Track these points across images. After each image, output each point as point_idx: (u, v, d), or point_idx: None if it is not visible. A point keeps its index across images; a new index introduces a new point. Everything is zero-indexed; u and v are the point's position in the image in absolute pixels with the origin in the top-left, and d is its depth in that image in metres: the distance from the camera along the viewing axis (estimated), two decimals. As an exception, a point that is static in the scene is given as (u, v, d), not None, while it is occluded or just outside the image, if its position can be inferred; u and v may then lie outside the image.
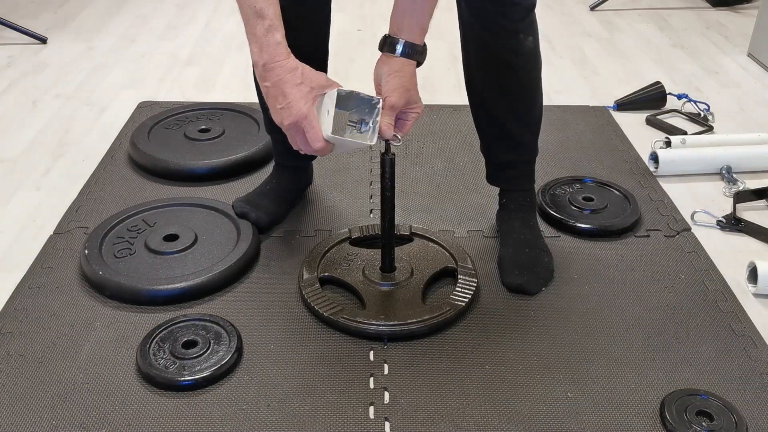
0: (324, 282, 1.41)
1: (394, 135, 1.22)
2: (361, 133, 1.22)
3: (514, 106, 1.46)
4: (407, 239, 1.52)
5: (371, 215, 1.64)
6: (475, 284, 1.39)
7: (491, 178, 1.58)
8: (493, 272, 1.46)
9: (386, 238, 1.36)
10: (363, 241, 1.52)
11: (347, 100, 1.20)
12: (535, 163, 1.55)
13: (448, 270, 1.44)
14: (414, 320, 1.29)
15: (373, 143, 1.21)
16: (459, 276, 1.41)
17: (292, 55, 1.18)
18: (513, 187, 1.55)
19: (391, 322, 1.29)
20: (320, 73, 1.20)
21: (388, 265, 1.40)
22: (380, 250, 1.40)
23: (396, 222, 1.40)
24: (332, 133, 1.16)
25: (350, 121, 1.22)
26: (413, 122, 1.27)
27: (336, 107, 1.17)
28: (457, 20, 1.41)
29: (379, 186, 1.30)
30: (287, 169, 1.64)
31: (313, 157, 1.68)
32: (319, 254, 1.46)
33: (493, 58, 1.40)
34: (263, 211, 1.57)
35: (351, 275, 1.41)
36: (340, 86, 1.19)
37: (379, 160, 1.29)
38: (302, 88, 1.16)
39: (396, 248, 1.42)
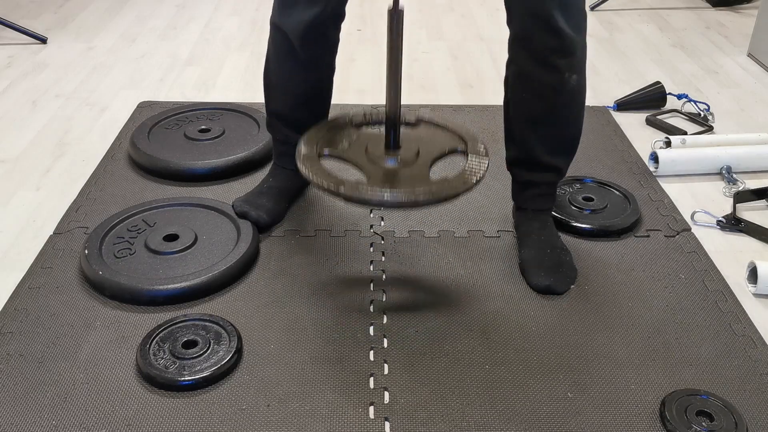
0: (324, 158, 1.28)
1: None
2: None
3: (545, 135, 1.43)
4: (412, 125, 1.38)
5: (371, 214, 1.64)
6: (486, 164, 1.26)
7: (514, 195, 1.56)
8: (493, 273, 1.46)
9: (392, 111, 1.24)
10: (367, 124, 1.38)
11: None
12: (557, 185, 1.52)
13: (458, 151, 1.31)
14: (420, 189, 1.18)
15: None
16: (469, 155, 1.28)
17: None
18: (534, 207, 1.52)
19: (396, 191, 1.17)
20: None
21: (393, 142, 1.26)
22: (384, 127, 1.27)
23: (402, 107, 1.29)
24: None
25: None
26: None
27: None
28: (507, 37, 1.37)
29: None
30: (286, 170, 1.65)
31: None
32: (319, 131, 1.34)
33: (531, 89, 1.37)
34: (263, 210, 1.57)
35: (353, 152, 1.28)
36: None
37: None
38: None
39: (401, 130, 1.30)
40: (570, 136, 1.46)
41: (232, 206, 1.58)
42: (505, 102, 1.47)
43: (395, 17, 1.17)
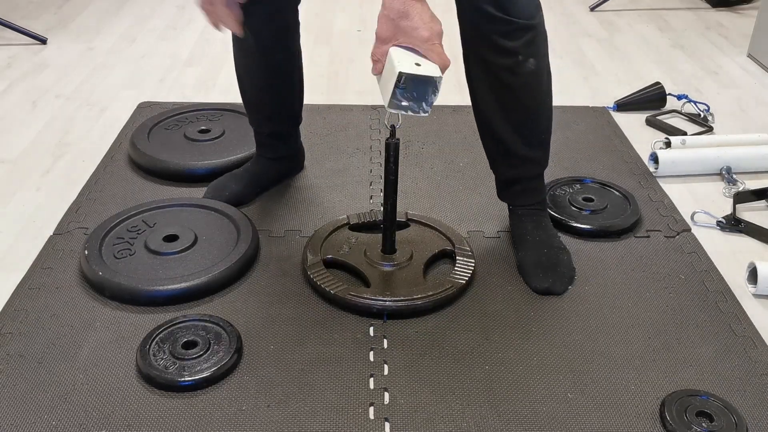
0: (327, 264, 1.44)
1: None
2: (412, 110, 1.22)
3: (515, 124, 1.43)
4: (404, 225, 1.55)
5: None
6: (473, 264, 1.44)
7: (499, 194, 1.56)
8: (492, 273, 1.46)
9: (388, 221, 1.41)
10: (362, 227, 1.56)
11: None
12: (543, 177, 1.52)
13: (446, 252, 1.49)
14: (419, 296, 1.34)
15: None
16: (457, 257, 1.46)
17: None
18: (520, 203, 1.53)
19: (397, 298, 1.34)
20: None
21: (389, 247, 1.44)
22: (381, 233, 1.44)
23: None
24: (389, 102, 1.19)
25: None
26: (434, 58, 1.20)
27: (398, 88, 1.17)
28: (459, 29, 1.39)
29: (381, 180, 1.32)
30: (262, 158, 1.72)
31: (292, 151, 1.76)
32: (321, 239, 1.51)
33: (490, 76, 1.38)
34: (228, 191, 1.65)
35: (353, 257, 1.45)
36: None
37: (379, 159, 1.29)
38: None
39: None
40: (538, 123, 1.45)
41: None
42: (471, 98, 1.45)
43: (391, 145, 1.31)
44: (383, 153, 1.33)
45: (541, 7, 1.35)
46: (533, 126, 1.45)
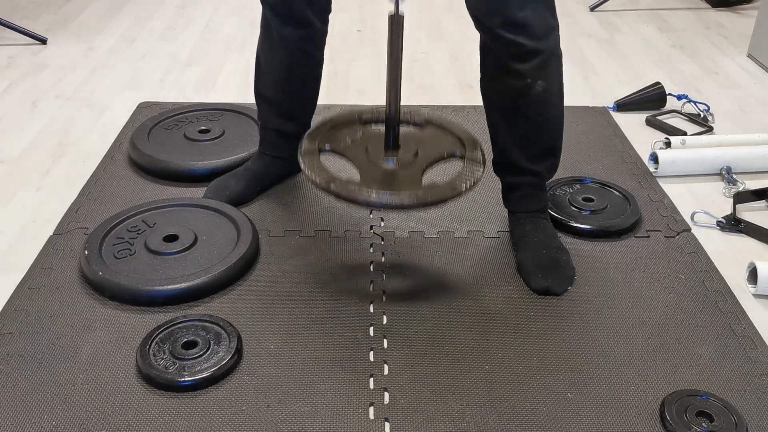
0: (324, 154, 1.32)
1: None
2: None
3: (518, 137, 1.45)
4: (419, 126, 1.41)
5: (371, 215, 1.64)
6: (480, 173, 1.28)
7: (503, 198, 1.57)
8: (493, 273, 1.46)
9: (390, 112, 1.28)
10: (375, 122, 1.41)
11: None
12: (545, 187, 1.54)
13: (455, 156, 1.33)
14: (406, 194, 1.21)
15: None
16: (465, 162, 1.30)
17: None
18: (520, 209, 1.54)
19: (383, 193, 1.21)
20: None
21: (391, 142, 1.31)
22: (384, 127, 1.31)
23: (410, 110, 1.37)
24: None
25: None
26: None
27: None
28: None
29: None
30: (266, 155, 1.72)
31: (295, 152, 1.72)
32: (324, 127, 1.38)
33: (500, 92, 1.41)
34: (229, 193, 1.65)
35: (352, 150, 1.33)
36: None
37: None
38: None
39: (404, 131, 1.35)
40: (545, 142, 1.47)
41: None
42: (484, 106, 1.49)
43: (396, 21, 1.20)
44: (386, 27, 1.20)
45: (556, 28, 1.35)
46: (537, 141, 1.46)
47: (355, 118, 1.41)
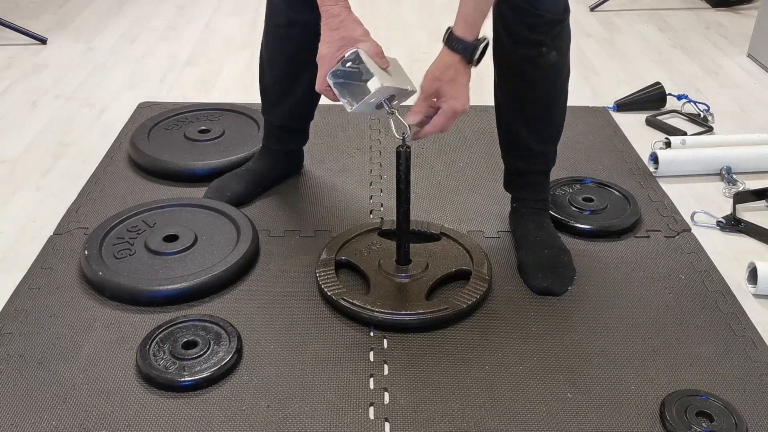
0: (341, 266, 1.44)
1: (408, 126, 1.25)
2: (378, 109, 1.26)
3: (527, 116, 1.46)
4: (435, 238, 1.52)
5: (371, 215, 1.64)
6: (484, 290, 1.37)
7: (505, 184, 1.59)
8: (492, 273, 1.46)
9: (400, 231, 1.38)
10: (393, 234, 1.49)
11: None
12: (549, 175, 1.55)
13: (463, 272, 1.43)
14: (408, 312, 1.31)
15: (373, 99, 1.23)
16: (471, 279, 1.40)
17: (341, 2, 1.32)
18: (523, 196, 1.55)
19: (386, 311, 1.30)
20: (358, 26, 1.31)
21: (402, 258, 1.41)
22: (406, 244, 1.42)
23: (426, 220, 1.54)
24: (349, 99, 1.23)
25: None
26: (441, 121, 1.24)
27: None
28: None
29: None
30: (271, 152, 1.71)
31: (299, 146, 1.76)
32: (344, 239, 1.49)
33: (512, 65, 1.41)
34: (229, 191, 1.65)
35: (367, 263, 1.43)
36: (376, 44, 1.29)
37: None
38: (334, 34, 1.28)
39: (419, 245, 1.47)
40: (551, 119, 1.49)
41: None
42: (494, 84, 1.49)
43: (402, 154, 1.29)
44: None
45: (569, 9, 1.37)
46: (546, 122, 1.48)
47: (376, 228, 1.54)
